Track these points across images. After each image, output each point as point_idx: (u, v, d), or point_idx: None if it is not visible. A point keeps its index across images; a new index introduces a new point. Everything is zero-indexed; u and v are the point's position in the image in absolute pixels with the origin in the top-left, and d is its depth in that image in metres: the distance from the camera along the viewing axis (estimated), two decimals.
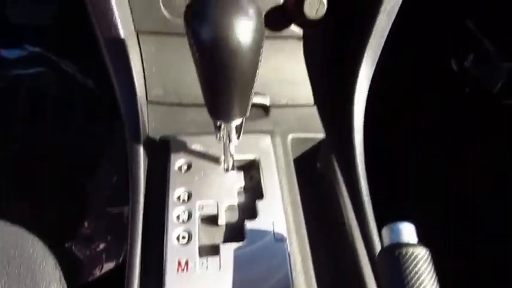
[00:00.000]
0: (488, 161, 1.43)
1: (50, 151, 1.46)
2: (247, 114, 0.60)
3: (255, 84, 0.55)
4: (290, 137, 0.77)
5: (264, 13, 0.76)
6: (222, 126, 0.60)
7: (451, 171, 1.51)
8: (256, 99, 0.78)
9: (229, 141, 0.63)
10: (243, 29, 0.48)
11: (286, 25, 0.78)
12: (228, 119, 0.58)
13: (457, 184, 1.49)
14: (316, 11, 0.72)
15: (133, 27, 0.75)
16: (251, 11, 0.49)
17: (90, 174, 1.34)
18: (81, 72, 1.57)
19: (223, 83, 0.52)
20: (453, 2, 1.61)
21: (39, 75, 1.56)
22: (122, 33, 0.69)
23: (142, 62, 0.78)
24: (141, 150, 0.70)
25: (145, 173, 0.69)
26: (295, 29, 0.79)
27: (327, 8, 0.73)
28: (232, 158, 0.67)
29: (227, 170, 0.68)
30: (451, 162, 1.54)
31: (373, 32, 0.72)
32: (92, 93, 1.54)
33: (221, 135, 0.62)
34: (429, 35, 1.73)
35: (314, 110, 0.81)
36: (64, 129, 1.51)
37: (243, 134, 0.63)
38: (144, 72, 0.78)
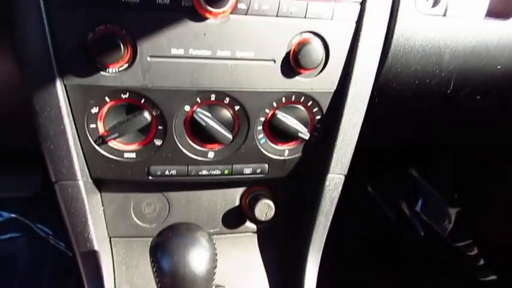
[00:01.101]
0: None
1: None
2: None
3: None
4: None
5: (223, 213, 0.90)
6: None
7: None
8: None
9: None
10: (199, 264, 0.59)
11: (242, 222, 0.91)
12: None
13: None
14: (265, 214, 0.86)
15: (106, 234, 0.85)
16: (206, 244, 0.60)
17: None
18: (53, 235, 1.62)
19: None
20: (397, 154, 1.83)
21: (13, 240, 1.60)
22: (96, 245, 0.78)
23: (113, 262, 0.86)
24: None
25: None
26: (249, 225, 0.91)
27: (275, 211, 0.86)
28: None
29: None
30: None
31: (315, 230, 0.85)
32: (64, 256, 1.58)
33: None
34: (379, 180, 1.92)
35: None
36: None
37: None
38: (114, 270, 0.86)
